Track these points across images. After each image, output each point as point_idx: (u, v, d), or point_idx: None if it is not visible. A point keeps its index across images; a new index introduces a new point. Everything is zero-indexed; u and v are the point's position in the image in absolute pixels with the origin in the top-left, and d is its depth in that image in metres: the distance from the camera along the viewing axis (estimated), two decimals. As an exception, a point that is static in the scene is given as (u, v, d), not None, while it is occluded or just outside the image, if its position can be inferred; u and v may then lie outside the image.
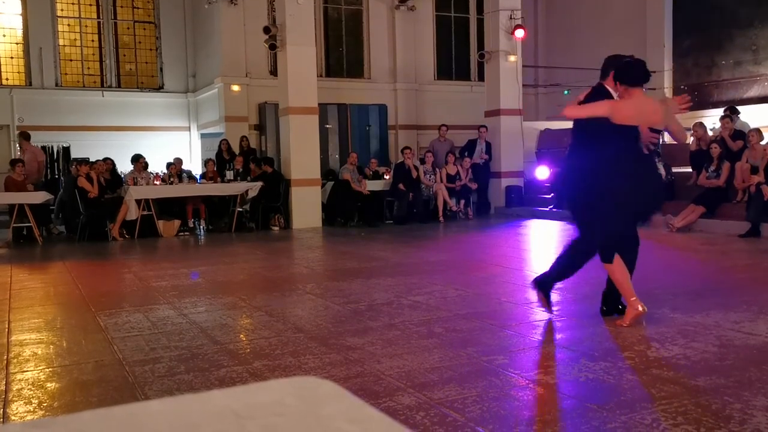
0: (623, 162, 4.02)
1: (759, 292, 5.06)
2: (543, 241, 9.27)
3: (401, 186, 11.74)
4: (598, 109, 4.05)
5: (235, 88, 14.07)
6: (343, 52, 15.78)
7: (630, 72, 4.10)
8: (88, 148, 13.56)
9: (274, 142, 13.38)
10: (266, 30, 11.26)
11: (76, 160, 11.87)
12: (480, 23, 15.07)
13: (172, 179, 11.08)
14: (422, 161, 12.41)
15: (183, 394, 0.78)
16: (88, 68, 15.27)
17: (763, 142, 9.21)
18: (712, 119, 12.47)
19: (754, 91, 13.09)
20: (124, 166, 11.91)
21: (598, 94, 4.24)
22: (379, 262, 7.32)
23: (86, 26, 15.18)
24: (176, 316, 4.71)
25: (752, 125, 10.59)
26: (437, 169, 12.33)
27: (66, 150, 14.30)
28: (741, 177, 9.12)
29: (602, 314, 4.30)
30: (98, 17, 15.22)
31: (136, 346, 3.91)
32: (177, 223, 10.58)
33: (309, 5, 11.26)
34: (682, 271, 6.40)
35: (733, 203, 9.17)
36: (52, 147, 14.05)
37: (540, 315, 4.46)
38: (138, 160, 11.02)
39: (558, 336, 3.98)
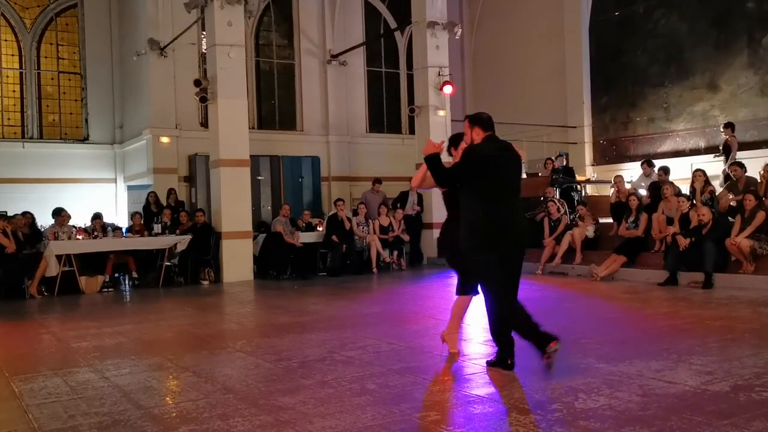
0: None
1: (678, 340, 5.27)
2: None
3: (334, 238, 11.73)
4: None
5: (165, 139, 13.86)
6: (275, 104, 15.86)
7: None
8: (7, 201, 12.96)
9: (204, 193, 13.18)
10: (197, 83, 11.21)
11: (-8, 213, 11.31)
12: (410, 78, 15.51)
13: (96, 233, 10.69)
14: (355, 213, 12.48)
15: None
16: (9, 119, 14.74)
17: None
18: (629, 172, 13.13)
19: (667, 146, 13.90)
20: (45, 220, 11.42)
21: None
22: (312, 316, 7.24)
23: (7, 77, 14.72)
24: (97, 379, 4.50)
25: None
26: (370, 221, 12.42)
27: (-19, 203, 13.61)
28: (658, 227, 9.60)
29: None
30: (21, 68, 14.80)
31: (53, 414, 3.70)
32: (100, 278, 10.19)
33: (240, 59, 11.31)
34: (607, 320, 6.61)
35: (651, 252, 9.60)
36: (-33, 200, 13.35)
37: (472, 368, 4.50)
38: (60, 214, 10.60)
39: (490, 390, 4.01)
